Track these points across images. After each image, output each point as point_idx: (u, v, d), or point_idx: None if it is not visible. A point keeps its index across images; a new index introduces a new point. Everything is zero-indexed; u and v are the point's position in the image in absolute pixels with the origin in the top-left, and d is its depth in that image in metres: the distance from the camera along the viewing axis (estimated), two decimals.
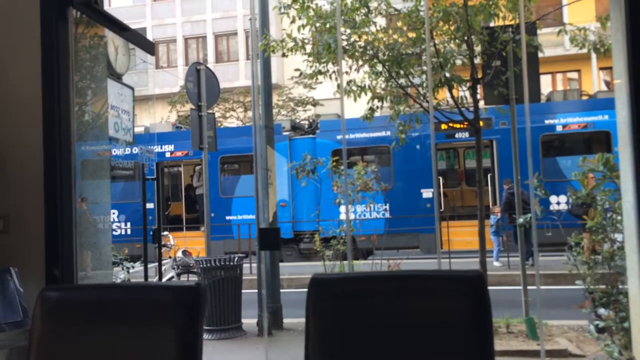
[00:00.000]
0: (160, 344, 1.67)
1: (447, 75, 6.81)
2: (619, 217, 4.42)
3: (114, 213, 14.66)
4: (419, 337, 1.63)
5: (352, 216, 12.97)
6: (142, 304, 1.77)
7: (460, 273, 1.70)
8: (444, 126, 9.46)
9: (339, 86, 6.78)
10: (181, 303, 1.71)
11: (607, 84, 20.60)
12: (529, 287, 6.64)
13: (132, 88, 5.92)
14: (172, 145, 16.08)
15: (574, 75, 21.86)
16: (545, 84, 19.41)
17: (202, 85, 8.68)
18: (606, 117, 13.33)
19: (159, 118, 23.67)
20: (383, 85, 7.54)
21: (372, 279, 1.85)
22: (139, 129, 15.49)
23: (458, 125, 8.51)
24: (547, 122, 13.89)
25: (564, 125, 14.00)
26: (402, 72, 7.14)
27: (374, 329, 1.65)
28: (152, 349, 1.68)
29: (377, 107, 7.57)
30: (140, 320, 1.74)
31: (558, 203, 13.02)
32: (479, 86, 7.06)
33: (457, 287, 1.67)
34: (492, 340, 1.63)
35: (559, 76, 21.66)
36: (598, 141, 13.80)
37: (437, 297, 1.66)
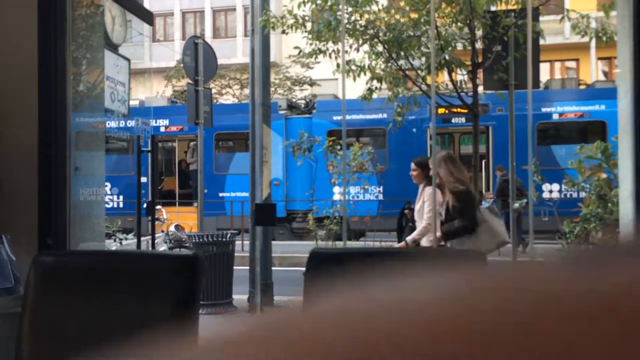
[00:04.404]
0: (156, 312, 1.66)
1: (447, 57, 6.77)
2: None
3: (106, 186, 14.59)
4: None
5: (346, 197, 12.95)
6: (139, 271, 1.76)
7: (460, 251, 1.70)
8: (441, 110, 9.43)
9: (338, 65, 6.73)
10: (179, 271, 1.70)
11: (606, 74, 20.59)
12: None
13: (128, 60, 5.84)
14: (167, 120, 15.96)
15: (572, 64, 21.83)
16: (544, 72, 19.36)
17: (199, 60, 8.57)
18: (603, 107, 13.32)
19: (155, 92, 23.47)
20: (383, 66, 7.49)
21: (372, 254, 1.84)
22: (134, 102, 15.35)
23: (456, 110, 8.48)
24: (543, 110, 13.86)
25: (561, 114, 13.99)
26: (402, 53, 7.09)
27: None
28: (148, 317, 1.67)
29: (376, 87, 7.54)
30: (136, 287, 1.73)
31: (550, 191, 13.06)
32: (478, 71, 7.03)
33: (456, 263, 1.66)
34: None
35: (557, 64, 21.62)
36: (593, 131, 13.79)
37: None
